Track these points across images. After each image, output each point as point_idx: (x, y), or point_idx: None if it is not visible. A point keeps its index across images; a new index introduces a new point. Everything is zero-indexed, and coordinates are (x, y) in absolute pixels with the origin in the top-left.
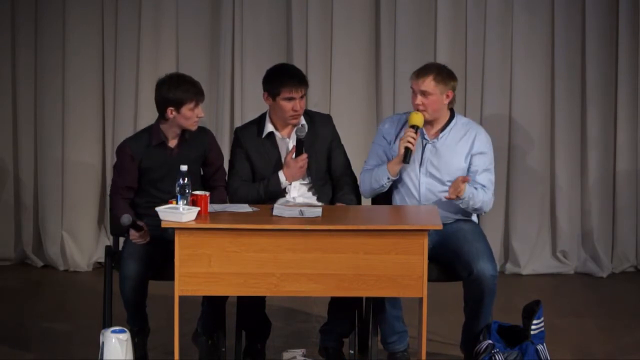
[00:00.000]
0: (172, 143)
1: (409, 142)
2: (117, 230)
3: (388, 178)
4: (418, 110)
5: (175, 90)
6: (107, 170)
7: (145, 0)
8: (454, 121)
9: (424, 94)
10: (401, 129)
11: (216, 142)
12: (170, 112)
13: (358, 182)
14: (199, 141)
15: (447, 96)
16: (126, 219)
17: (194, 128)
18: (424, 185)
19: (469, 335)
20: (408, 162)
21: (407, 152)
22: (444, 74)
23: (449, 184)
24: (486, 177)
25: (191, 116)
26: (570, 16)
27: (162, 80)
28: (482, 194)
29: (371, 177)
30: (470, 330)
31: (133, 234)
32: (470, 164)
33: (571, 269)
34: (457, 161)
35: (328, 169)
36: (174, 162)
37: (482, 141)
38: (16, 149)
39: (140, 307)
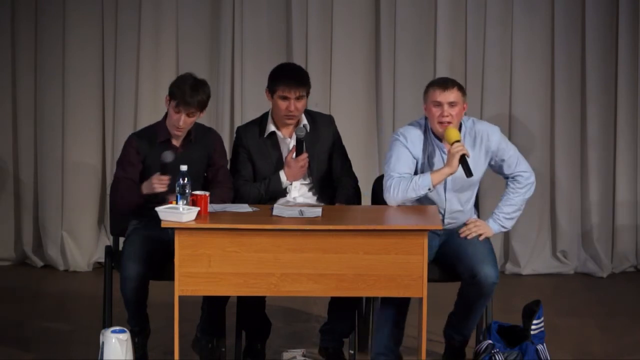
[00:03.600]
0: (177, 142)
1: (463, 152)
2: (117, 230)
3: (429, 189)
4: (443, 122)
5: (176, 81)
6: (107, 170)
7: (145, 0)
8: (462, 129)
9: (453, 104)
10: (425, 144)
11: (221, 143)
12: (166, 102)
13: (387, 188)
14: (204, 142)
15: (464, 108)
16: (170, 155)
17: (173, 132)
18: (449, 201)
19: (455, 326)
20: (472, 175)
21: (465, 163)
22: (462, 86)
23: (469, 194)
24: (522, 166)
25: (172, 117)
26: (570, 16)
27: (184, 73)
28: (523, 194)
29: (408, 186)
30: (458, 323)
31: (160, 179)
32: (499, 165)
33: (571, 269)
34: (477, 171)
35: (329, 169)
36: (177, 161)
37: (496, 138)
38: (16, 149)
39: (141, 308)
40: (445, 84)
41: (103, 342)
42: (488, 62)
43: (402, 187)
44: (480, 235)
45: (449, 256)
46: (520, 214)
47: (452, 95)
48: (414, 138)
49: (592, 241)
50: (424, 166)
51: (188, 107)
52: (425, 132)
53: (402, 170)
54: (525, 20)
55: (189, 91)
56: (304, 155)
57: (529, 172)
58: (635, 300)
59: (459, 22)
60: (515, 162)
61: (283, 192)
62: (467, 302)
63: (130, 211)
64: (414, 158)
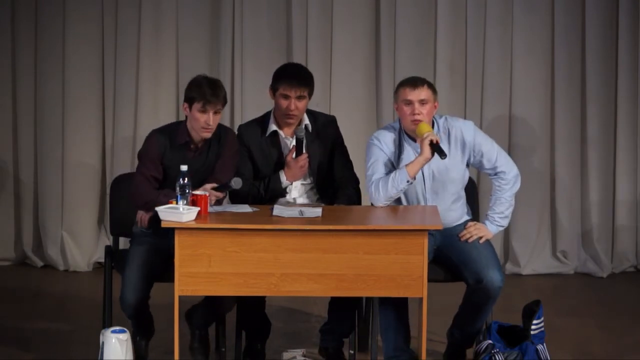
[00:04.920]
0: (197, 145)
1: (431, 139)
2: (117, 230)
3: (408, 181)
4: (415, 120)
5: (192, 86)
6: (107, 170)
7: (145, 0)
8: (435, 127)
9: (423, 102)
10: (399, 146)
11: (234, 142)
12: (185, 109)
13: (370, 192)
14: (222, 144)
15: (436, 106)
16: (238, 182)
17: (202, 134)
18: (431, 202)
19: (461, 328)
20: (446, 155)
21: (437, 146)
22: (432, 84)
23: (453, 195)
24: (502, 159)
25: (199, 119)
26: (570, 16)
27: (195, 76)
28: (509, 189)
29: (387, 183)
30: (464, 325)
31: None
32: (478, 160)
33: (571, 269)
34: (456, 168)
35: (330, 169)
36: (191, 166)
37: (470, 132)
38: (16, 149)
39: (142, 321)
40: (415, 82)
41: (103, 342)
42: (488, 62)
43: (382, 185)
44: (480, 238)
45: (453, 260)
46: (512, 209)
47: (422, 93)
48: (387, 140)
49: (592, 241)
50: (391, 161)
51: (214, 105)
52: (399, 134)
53: (381, 171)
54: (525, 20)
55: (209, 90)
56: (304, 156)
57: (511, 165)
58: (635, 300)
59: (459, 22)
60: (495, 156)
61: (283, 192)
62: (473, 306)
63: (142, 207)
64: (390, 160)
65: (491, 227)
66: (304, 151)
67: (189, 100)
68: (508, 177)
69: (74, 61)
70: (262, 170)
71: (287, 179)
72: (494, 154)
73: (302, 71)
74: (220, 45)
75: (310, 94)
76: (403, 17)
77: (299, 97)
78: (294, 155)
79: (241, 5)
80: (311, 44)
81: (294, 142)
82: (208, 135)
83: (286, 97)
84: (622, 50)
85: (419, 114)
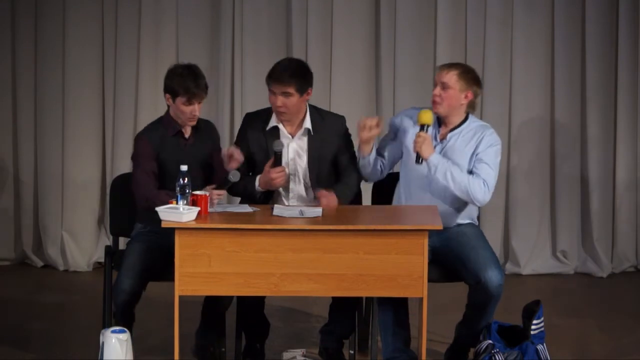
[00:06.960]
0: (187, 133)
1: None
2: (117, 230)
3: (363, 157)
4: (434, 101)
5: (173, 78)
6: (107, 170)
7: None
8: (466, 123)
9: (444, 86)
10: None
11: (218, 136)
12: (167, 99)
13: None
14: (208, 132)
15: (466, 97)
16: (236, 175)
17: (189, 123)
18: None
19: (467, 328)
20: (420, 163)
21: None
22: (469, 74)
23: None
24: (483, 169)
25: (184, 111)
26: (570, 15)
27: (173, 66)
28: (465, 176)
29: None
30: (471, 325)
31: (277, 171)
32: (473, 166)
33: (571, 269)
34: (462, 163)
35: (333, 169)
36: (189, 153)
37: (488, 140)
38: (16, 149)
39: (131, 314)
40: (447, 65)
41: (103, 342)
42: (488, 61)
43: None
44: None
45: (451, 262)
46: (452, 186)
47: (446, 76)
48: (406, 116)
49: (592, 241)
50: (395, 139)
51: (199, 97)
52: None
53: (382, 145)
54: (525, 20)
55: (192, 82)
56: (279, 169)
57: (486, 189)
58: (635, 300)
59: (459, 22)
60: (485, 171)
61: (255, 197)
62: (477, 306)
63: (153, 205)
64: (394, 133)
65: (435, 152)
66: (282, 165)
67: (172, 93)
68: (480, 184)
69: (74, 61)
70: (258, 164)
71: (259, 185)
72: (481, 160)
73: (290, 67)
74: (220, 43)
75: (301, 91)
76: (403, 17)
77: (284, 94)
78: (271, 165)
79: (241, 3)
80: (311, 43)
81: (299, 140)
82: (194, 123)
83: (272, 92)
84: (622, 50)
85: (437, 96)
